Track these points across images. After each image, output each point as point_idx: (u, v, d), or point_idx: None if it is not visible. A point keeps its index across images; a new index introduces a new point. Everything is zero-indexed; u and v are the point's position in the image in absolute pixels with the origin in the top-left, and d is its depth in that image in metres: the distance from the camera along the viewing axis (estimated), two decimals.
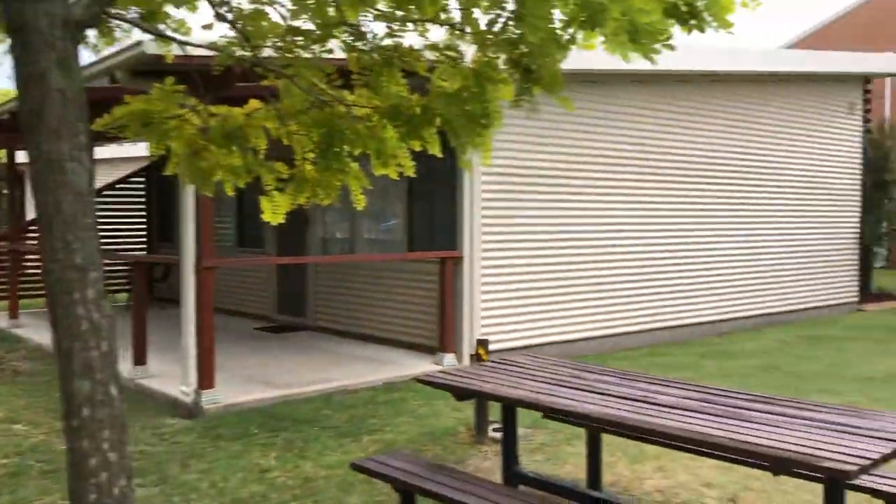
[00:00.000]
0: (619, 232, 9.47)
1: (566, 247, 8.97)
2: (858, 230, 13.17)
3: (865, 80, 13.25)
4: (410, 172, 3.50)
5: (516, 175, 8.50)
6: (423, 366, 7.89)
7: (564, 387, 3.72)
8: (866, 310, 12.97)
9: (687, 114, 10.24)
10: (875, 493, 3.42)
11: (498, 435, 5.41)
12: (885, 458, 2.69)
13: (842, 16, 24.47)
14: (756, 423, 3.09)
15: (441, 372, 4.00)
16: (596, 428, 3.98)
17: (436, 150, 3.45)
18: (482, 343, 5.70)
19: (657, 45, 2.95)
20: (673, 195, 10.02)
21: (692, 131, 10.30)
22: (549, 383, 3.79)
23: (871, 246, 14.11)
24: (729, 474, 4.71)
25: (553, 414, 3.51)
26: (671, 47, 2.91)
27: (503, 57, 3.15)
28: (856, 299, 13.09)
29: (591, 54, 3.11)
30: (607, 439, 4.44)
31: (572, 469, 4.89)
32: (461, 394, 3.73)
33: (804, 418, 3.13)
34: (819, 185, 12.30)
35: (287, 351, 8.86)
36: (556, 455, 5.21)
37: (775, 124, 11.53)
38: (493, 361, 4.51)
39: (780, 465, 2.74)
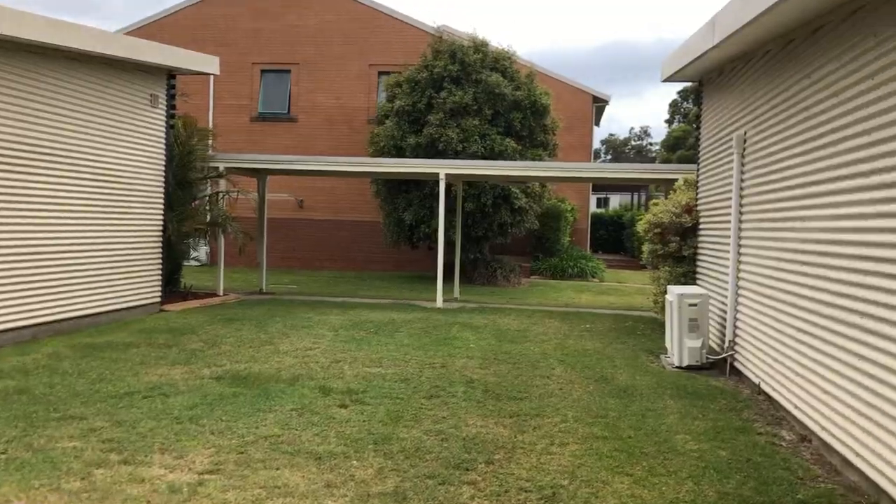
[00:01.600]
0: None
1: None
2: (162, 228, 12.79)
3: (170, 75, 12.93)
4: None
5: None
6: None
7: None
8: (168, 310, 12.66)
9: None
10: None
11: None
12: None
13: (174, 12, 24.54)
14: None
15: None
16: None
17: None
18: None
19: None
20: None
21: None
22: None
23: (178, 244, 13.90)
24: None
25: None
26: None
27: None
28: (158, 300, 12.67)
29: None
30: None
31: None
32: None
33: None
34: (119, 178, 11.42)
35: None
36: None
37: (69, 107, 10.21)
38: None
39: None
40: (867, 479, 4.90)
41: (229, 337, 10.04)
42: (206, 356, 8.71)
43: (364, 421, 6.14)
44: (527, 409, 6.71)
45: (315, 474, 4.89)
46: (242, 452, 5.27)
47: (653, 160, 63.20)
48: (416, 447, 5.49)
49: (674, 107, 60.16)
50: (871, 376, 4.92)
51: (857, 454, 5.01)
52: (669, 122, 60.66)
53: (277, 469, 4.96)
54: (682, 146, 49.82)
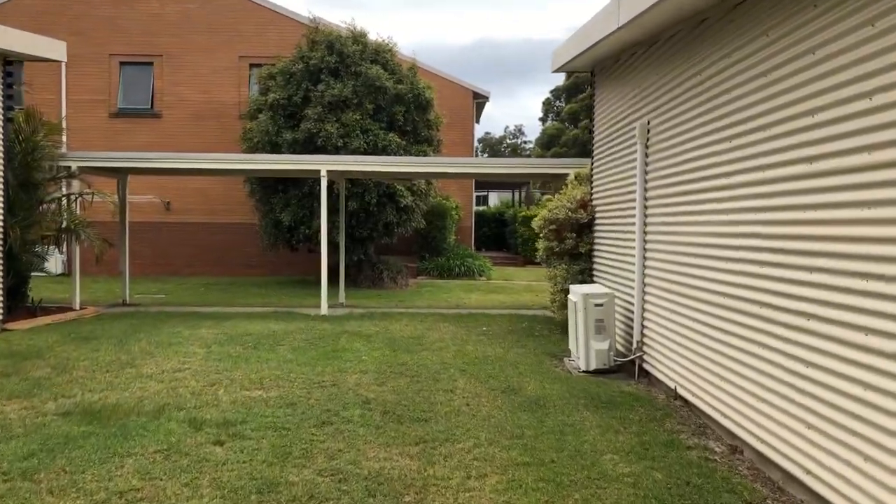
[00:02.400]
0: None
1: None
2: (3, 235, 11.15)
3: (7, 61, 11.30)
4: None
5: None
6: None
7: None
8: (12, 329, 11.04)
9: None
10: None
11: None
12: None
13: None
14: None
15: None
16: None
17: None
18: None
19: None
20: None
21: None
22: None
23: (23, 253, 12.21)
24: None
25: None
26: None
27: None
28: None
29: None
30: None
31: None
32: None
33: None
34: None
35: None
36: None
37: None
38: None
39: None
40: (819, 497, 4.42)
41: (83, 360, 8.70)
42: (52, 385, 7.40)
43: (244, 462, 5.16)
44: (434, 432, 5.92)
45: None
46: None
47: (528, 157, 64.11)
48: (310, 494, 4.58)
49: (547, 105, 61.05)
50: (821, 384, 4.45)
51: (808, 471, 4.53)
52: (543, 120, 61.51)
53: None
54: (556, 144, 50.52)
